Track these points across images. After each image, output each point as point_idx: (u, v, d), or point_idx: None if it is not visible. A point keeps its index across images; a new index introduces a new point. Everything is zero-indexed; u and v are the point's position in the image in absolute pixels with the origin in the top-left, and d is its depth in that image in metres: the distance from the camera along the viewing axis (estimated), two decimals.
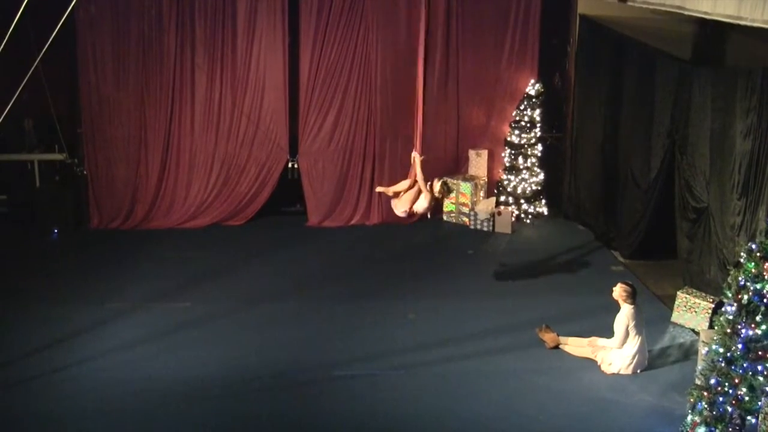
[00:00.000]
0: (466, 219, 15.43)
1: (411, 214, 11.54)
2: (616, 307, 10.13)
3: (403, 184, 11.56)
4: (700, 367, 8.81)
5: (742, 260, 7.99)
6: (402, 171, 13.81)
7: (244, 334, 11.00)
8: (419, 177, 11.27)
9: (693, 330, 10.97)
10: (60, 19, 8.69)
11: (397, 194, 11.52)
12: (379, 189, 12.24)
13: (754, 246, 7.88)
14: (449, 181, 12.35)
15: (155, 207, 15.19)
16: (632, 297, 9.99)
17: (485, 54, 15.61)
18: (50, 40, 8.82)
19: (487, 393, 9.57)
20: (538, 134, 15.52)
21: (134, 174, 15.06)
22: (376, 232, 15.12)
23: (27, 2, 7.92)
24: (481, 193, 15.66)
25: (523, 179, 15.39)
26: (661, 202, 12.61)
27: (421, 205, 11.32)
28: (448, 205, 15.54)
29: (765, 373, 7.76)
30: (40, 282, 12.59)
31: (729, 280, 8.09)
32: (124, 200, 15.11)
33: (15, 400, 9.30)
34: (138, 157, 15.03)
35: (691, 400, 8.25)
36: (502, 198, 15.51)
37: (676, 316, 11.29)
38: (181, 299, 11.97)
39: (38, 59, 9.04)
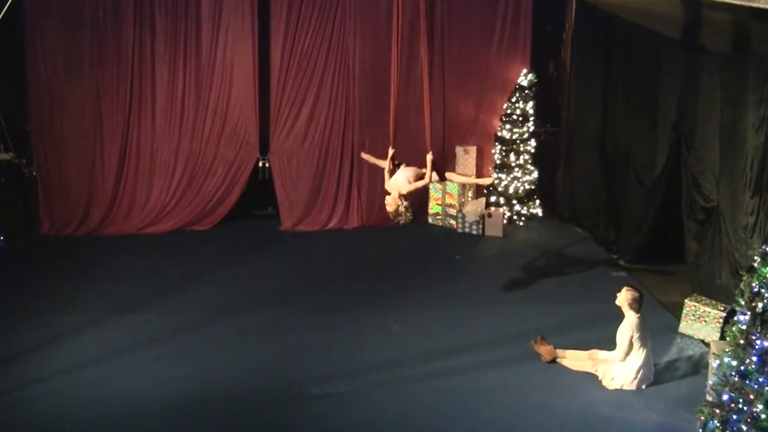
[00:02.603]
0: (453, 222, 15.41)
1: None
2: (618, 317, 10.10)
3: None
4: (711, 382, 8.80)
5: (755, 264, 7.98)
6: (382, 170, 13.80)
7: (213, 349, 10.91)
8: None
9: (703, 341, 10.98)
10: (4, 6, 8.62)
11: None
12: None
13: None
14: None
15: (113, 211, 15.09)
16: (639, 304, 9.96)
17: (473, 42, 15.62)
18: None
19: (478, 412, 9.50)
20: (531, 129, 15.53)
21: (89, 175, 14.95)
22: (356, 237, 15.10)
23: None
24: (470, 194, 15.66)
25: (515, 178, 15.39)
26: (666, 202, 12.63)
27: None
28: (433, 207, 15.51)
29: None
30: None
31: (741, 286, 8.07)
32: (79, 203, 14.99)
33: None
34: (93, 156, 14.92)
35: (702, 418, 8.23)
36: (493, 198, 15.52)
37: (684, 326, 11.28)
38: (144, 312, 11.86)
39: None
